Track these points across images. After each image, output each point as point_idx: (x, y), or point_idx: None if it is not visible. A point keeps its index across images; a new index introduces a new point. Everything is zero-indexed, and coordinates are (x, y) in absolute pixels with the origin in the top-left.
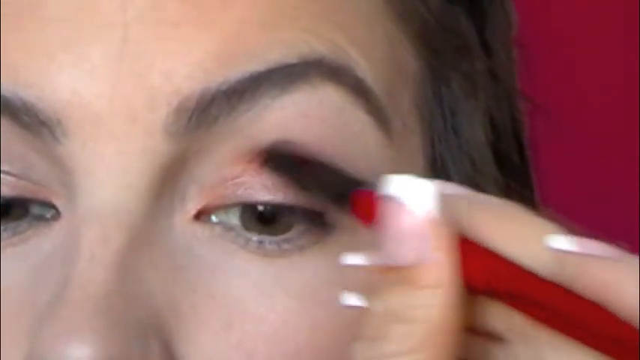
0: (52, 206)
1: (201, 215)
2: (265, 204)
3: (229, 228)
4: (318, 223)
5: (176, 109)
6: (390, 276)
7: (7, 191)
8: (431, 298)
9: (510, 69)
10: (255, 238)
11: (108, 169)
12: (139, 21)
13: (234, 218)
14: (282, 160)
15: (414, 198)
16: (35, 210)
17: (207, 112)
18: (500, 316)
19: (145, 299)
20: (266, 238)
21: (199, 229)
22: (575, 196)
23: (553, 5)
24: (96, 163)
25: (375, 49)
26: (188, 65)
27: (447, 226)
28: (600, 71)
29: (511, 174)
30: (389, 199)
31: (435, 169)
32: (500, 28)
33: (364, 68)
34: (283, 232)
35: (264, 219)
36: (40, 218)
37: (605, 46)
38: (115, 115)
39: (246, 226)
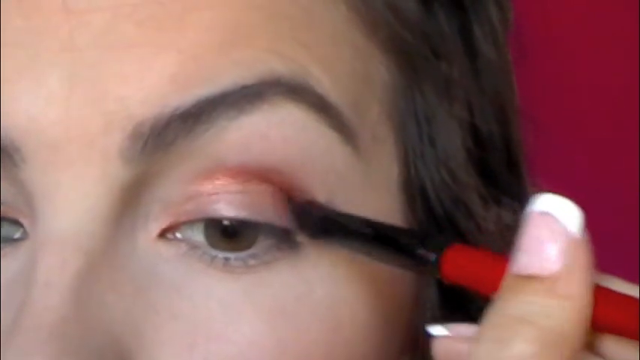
0: (21, 225)
1: (165, 233)
2: (231, 220)
3: (195, 246)
4: (284, 238)
5: (131, 135)
6: (518, 284)
7: None
8: (565, 309)
9: (502, 69)
10: (220, 255)
11: (66, 194)
12: (93, 45)
13: (198, 234)
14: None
15: (565, 216)
16: (4, 230)
17: (162, 136)
18: None
19: (105, 324)
20: (231, 255)
21: (164, 248)
22: (575, 196)
23: (551, 5)
24: (54, 189)
25: (339, 64)
26: (142, 90)
27: (589, 249)
28: (600, 71)
29: (496, 183)
30: (541, 212)
31: (410, 178)
32: (492, 27)
33: (326, 85)
34: (248, 247)
35: (228, 234)
36: (7, 239)
37: (605, 46)
38: (71, 141)
39: (211, 243)
